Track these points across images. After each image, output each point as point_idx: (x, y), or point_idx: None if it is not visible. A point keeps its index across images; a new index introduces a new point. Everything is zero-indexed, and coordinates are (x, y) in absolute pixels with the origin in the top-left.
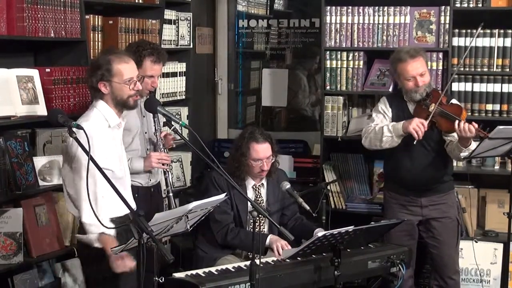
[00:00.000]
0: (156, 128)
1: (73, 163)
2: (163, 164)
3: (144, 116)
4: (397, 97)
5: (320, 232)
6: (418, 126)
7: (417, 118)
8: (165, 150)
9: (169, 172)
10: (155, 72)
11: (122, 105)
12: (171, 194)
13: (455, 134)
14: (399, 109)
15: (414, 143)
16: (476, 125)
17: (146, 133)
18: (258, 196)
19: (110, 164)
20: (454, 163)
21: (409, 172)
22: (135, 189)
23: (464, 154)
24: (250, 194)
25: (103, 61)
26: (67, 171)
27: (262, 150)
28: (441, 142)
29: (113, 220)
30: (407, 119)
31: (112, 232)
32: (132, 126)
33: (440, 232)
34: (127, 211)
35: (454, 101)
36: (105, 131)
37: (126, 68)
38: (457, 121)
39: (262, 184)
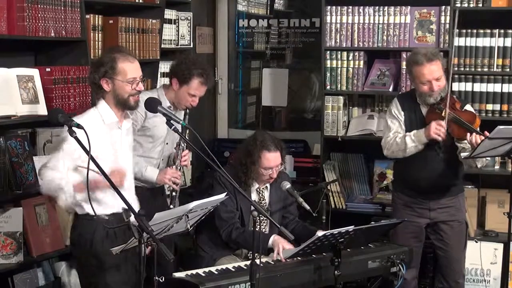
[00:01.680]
0: (180, 144)
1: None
2: (174, 183)
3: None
4: (409, 98)
5: (320, 232)
6: (437, 129)
7: (434, 121)
8: (181, 168)
9: (177, 192)
10: (199, 93)
11: (122, 104)
12: (172, 207)
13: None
14: (411, 112)
15: (441, 142)
16: (487, 133)
17: (167, 143)
18: (262, 199)
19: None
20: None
21: (420, 177)
22: (138, 190)
23: (464, 154)
24: (254, 196)
25: (108, 58)
26: None
27: (273, 159)
28: (453, 147)
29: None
30: (420, 122)
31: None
32: (158, 134)
33: (449, 235)
34: (118, 209)
35: (468, 107)
36: (97, 128)
37: (130, 67)
38: (469, 133)
39: (266, 187)
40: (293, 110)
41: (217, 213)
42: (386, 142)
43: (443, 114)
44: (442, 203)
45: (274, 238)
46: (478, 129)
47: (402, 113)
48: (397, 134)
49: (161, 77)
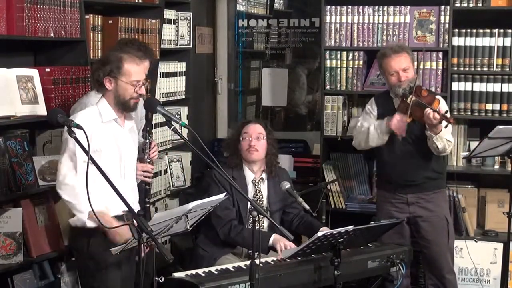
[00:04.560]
0: (147, 137)
1: (61, 149)
2: (145, 177)
3: None
4: (386, 94)
5: (320, 232)
6: (398, 122)
7: (397, 113)
8: (151, 161)
9: (151, 184)
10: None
11: (122, 105)
12: (148, 205)
13: None
14: (385, 106)
15: (400, 139)
16: (443, 111)
17: None
18: (258, 191)
19: (107, 159)
20: (454, 163)
21: (392, 166)
22: None
23: (464, 154)
24: (250, 188)
25: (115, 57)
26: None
27: (252, 127)
28: (423, 136)
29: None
30: (392, 114)
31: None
32: None
33: (428, 232)
34: (121, 209)
35: (437, 97)
36: (96, 126)
37: (136, 70)
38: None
39: (262, 179)
40: (293, 110)
41: (213, 211)
42: (355, 132)
43: (408, 100)
44: (420, 197)
45: (274, 237)
46: (437, 109)
47: (375, 108)
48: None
49: (160, 77)
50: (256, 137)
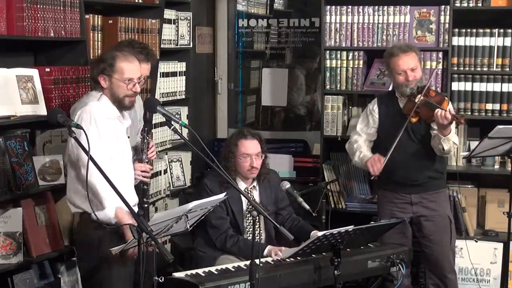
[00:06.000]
0: (145, 137)
1: (79, 160)
2: (144, 177)
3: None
4: (389, 95)
5: (318, 233)
6: (374, 162)
7: (378, 154)
8: (149, 161)
9: (149, 184)
10: (142, 71)
11: (117, 103)
12: (146, 205)
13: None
14: (388, 106)
15: (371, 178)
16: (453, 112)
17: (129, 137)
18: (252, 199)
19: (112, 153)
20: (454, 163)
21: (396, 166)
22: None
23: (464, 154)
24: (243, 198)
25: (108, 55)
26: (71, 167)
27: (250, 146)
28: (428, 135)
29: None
30: (396, 114)
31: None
32: None
33: (431, 231)
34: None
35: (446, 97)
36: (105, 120)
37: (128, 67)
38: (436, 109)
39: (254, 186)
40: (293, 110)
41: (208, 221)
42: (350, 137)
43: (416, 100)
44: (424, 197)
45: (269, 248)
46: (447, 109)
47: (377, 109)
48: (358, 138)
49: (160, 77)
50: (255, 157)
